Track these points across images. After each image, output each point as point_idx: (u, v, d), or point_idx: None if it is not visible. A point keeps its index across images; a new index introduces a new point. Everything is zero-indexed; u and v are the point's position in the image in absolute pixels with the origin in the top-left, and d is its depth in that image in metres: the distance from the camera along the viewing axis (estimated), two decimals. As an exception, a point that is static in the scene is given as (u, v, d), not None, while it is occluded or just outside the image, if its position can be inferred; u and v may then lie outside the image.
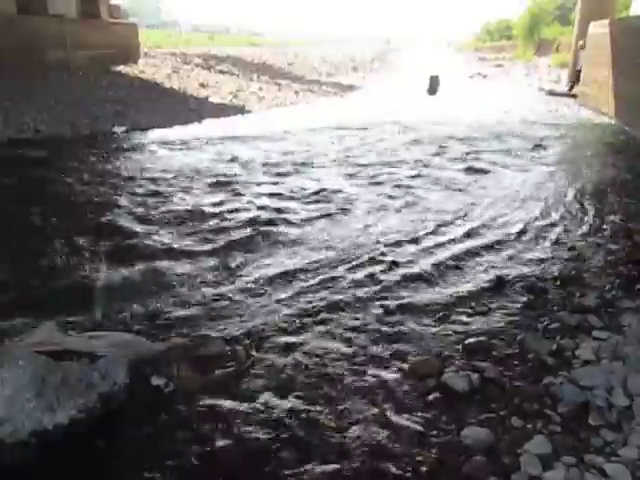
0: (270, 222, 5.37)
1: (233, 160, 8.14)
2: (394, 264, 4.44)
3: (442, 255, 4.67)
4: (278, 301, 3.81)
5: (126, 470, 2.40)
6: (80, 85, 13.70)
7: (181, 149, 9.05)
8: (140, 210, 5.70)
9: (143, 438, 2.54)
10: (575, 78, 17.61)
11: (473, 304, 3.81)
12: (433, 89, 19.56)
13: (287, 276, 4.21)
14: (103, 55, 16.99)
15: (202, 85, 16.38)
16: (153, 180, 6.92)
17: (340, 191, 6.52)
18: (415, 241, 4.99)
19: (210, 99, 14.55)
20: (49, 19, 14.94)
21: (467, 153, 8.91)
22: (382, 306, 3.76)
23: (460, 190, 6.74)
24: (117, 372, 2.63)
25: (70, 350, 2.69)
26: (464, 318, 3.62)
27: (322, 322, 3.53)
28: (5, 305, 3.60)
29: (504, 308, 3.76)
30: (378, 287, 4.05)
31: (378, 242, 4.95)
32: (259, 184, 6.84)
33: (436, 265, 4.45)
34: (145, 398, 2.71)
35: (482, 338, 3.35)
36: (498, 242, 4.99)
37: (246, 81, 18.77)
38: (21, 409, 2.39)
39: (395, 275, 4.26)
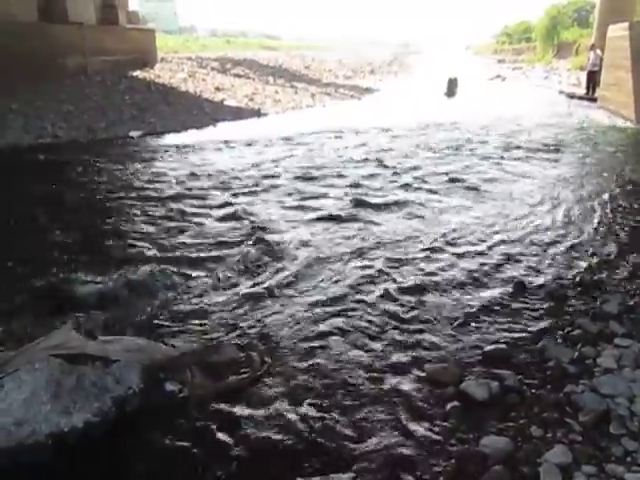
0: (280, 228, 5.38)
1: (252, 166, 8.14)
2: (413, 270, 4.42)
3: (461, 261, 4.63)
4: (294, 307, 3.80)
5: (140, 475, 2.41)
6: (98, 90, 13.88)
7: (195, 153, 9.11)
8: (156, 215, 5.74)
9: (156, 443, 2.54)
10: (588, 80, 17.45)
11: (493, 311, 3.77)
12: (451, 91, 19.50)
13: (304, 282, 4.20)
14: (121, 61, 17.20)
15: (218, 89, 16.49)
16: (166, 185, 6.97)
17: (362, 195, 6.50)
18: (432, 247, 4.95)
19: (226, 102, 14.65)
20: (69, 26, 15.17)
21: (487, 157, 8.84)
22: (400, 312, 3.73)
23: (478, 195, 6.69)
24: (131, 377, 2.64)
25: (85, 354, 2.71)
26: (483, 325, 3.58)
27: (339, 328, 3.52)
28: (21, 308, 3.64)
29: (524, 314, 3.72)
30: (396, 293, 4.02)
31: (393, 247, 4.93)
32: (280, 188, 6.86)
33: (455, 271, 4.41)
34: (159, 403, 2.72)
35: (502, 345, 3.31)
36: (518, 247, 4.94)
37: (262, 84, 18.86)
38: (38, 411, 2.41)
39: (413, 281, 4.23)
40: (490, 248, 4.92)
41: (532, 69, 32.76)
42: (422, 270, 4.44)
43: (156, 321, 3.57)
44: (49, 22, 14.53)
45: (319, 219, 5.67)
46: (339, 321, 3.61)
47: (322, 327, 3.53)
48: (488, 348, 3.28)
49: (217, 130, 11.54)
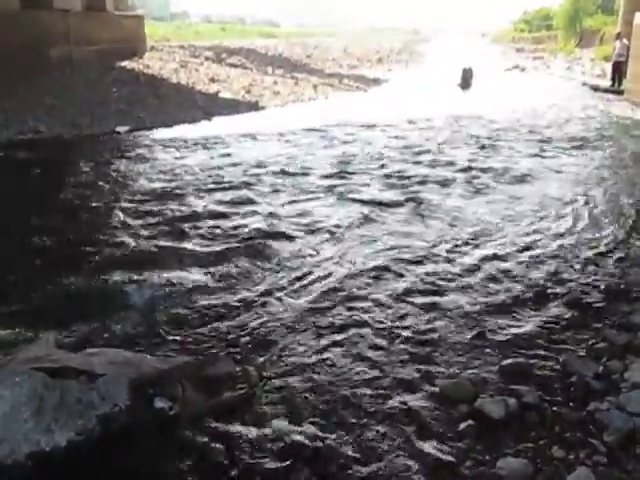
0: (278, 232, 5.39)
1: (246, 165, 8.15)
2: (422, 276, 4.43)
3: (480, 264, 4.63)
4: (294, 317, 3.80)
5: (127, 500, 2.41)
6: (83, 82, 13.93)
7: (187, 150, 9.11)
8: (145, 218, 5.76)
9: (144, 464, 2.54)
10: (614, 72, 17.47)
11: (510, 321, 3.77)
12: (466, 82, 19.51)
13: (304, 289, 4.21)
14: (107, 50, 17.26)
15: (212, 80, 16.53)
16: (152, 185, 6.97)
17: (373, 200, 6.52)
18: (446, 251, 4.96)
19: (221, 95, 14.69)
20: (54, 13, 15.23)
21: (505, 155, 8.87)
22: (409, 323, 3.73)
23: (512, 191, 6.77)
24: (117, 392, 2.64)
25: (68, 367, 2.72)
26: (500, 336, 3.58)
27: (342, 340, 3.52)
28: (1, 317, 3.65)
29: (545, 325, 3.71)
30: (404, 302, 4.03)
31: (402, 251, 4.94)
32: (273, 190, 6.87)
33: (469, 277, 4.42)
34: (147, 421, 2.72)
35: (520, 359, 3.31)
36: (542, 250, 4.95)
37: (260, 75, 18.90)
38: (18, 429, 2.42)
39: (423, 289, 4.24)
40: (513, 251, 4.94)
41: (553, 59, 32.79)
42: (437, 274, 4.46)
43: (145, 331, 3.57)
44: (33, 9, 14.58)
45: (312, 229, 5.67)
46: (343, 331, 3.61)
47: (325, 338, 3.54)
48: (505, 362, 3.28)
49: (211, 125, 11.55)
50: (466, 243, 5.16)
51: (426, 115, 12.73)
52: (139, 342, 3.43)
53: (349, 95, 16.96)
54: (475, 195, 6.73)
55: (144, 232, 5.32)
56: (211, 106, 13.13)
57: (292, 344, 3.47)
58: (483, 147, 9.47)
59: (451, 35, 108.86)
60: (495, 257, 4.81)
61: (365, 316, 3.82)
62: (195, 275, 4.41)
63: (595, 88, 18.45)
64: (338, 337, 3.56)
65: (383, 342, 3.51)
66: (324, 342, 3.50)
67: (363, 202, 6.30)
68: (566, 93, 17.72)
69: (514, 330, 3.65)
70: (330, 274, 4.46)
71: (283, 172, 7.58)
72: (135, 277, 4.32)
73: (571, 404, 2.93)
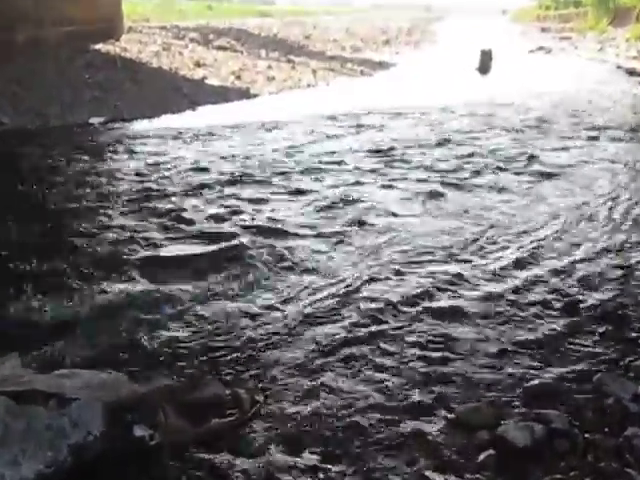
0: (271, 235, 5.40)
1: (231, 163, 8.16)
2: (441, 280, 4.44)
3: (497, 274, 4.63)
4: (293, 331, 3.80)
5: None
6: (52, 68, 13.92)
7: (169, 144, 9.13)
8: (113, 223, 5.75)
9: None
10: None
11: (537, 335, 3.77)
12: (485, 66, 19.55)
13: (305, 298, 4.21)
14: (80, 31, 17.24)
15: (198, 64, 16.57)
16: (128, 185, 6.98)
17: (378, 203, 6.54)
18: (472, 252, 4.98)
19: (208, 81, 14.73)
20: (20, -9, 15.24)
21: (552, 144, 9.04)
22: (421, 339, 3.73)
23: (521, 195, 6.74)
24: (91, 418, 2.64)
25: (36, 391, 2.71)
26: (525, 354, 3.58)
27: (346, 359, 3.52)
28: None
29: (576, 341, 3.72)
30: (415, 314, 4.03)
31: (425, 250, 4.97)
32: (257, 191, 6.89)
33: (489, 287, 4.42)
34: (125, 451, 2.72)
35: (548, 379, 3.31)
36: (569, 258, 4.96)
37: (252, 59, 18.95)
38: (-21, 461, 2.41)
39: (440, 296, 4.24)
40: (533, 259, 4.94)
41: (582, 39, 32.84)
42: (458, 279, 4.49)
43: (123, 350, 3.57)
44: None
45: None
46: (348, 348, 3.61)
47: (327, 357, 3.53)
48: (531, 383, 3.28)
49: (197, 116, 11.58)
50: (496, 243, 5.22)
51: (443, 103, 12.78)
52: (116, 362, 3.43)
53: (352, 81, 17.02)
54: (522, 189, 6.91)
55: (117, 238, 5.32)
56: (197, 94, 13.17)
57: (290, 363, 3.47)
58: (525, 135, 9.69)
59: (467, 13, 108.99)
60: (524, 261, 4.85)
61: (373, 329, 3.82)
62: (179, 284, 4.40)
63: (631, 72, 18.48)
64: (342, 354, 3.56)
65: (393, 360, 3.50)
66: (326, 360, 3.50)
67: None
68: (599, 77, 17.76)
69: (541, 346, 3.65)
70: (338, 280, 4.48)
71: (282, 173, 7.59)
72: (111, 288, 4.32)
73: (606, 430, 2.93)
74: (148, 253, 5.01)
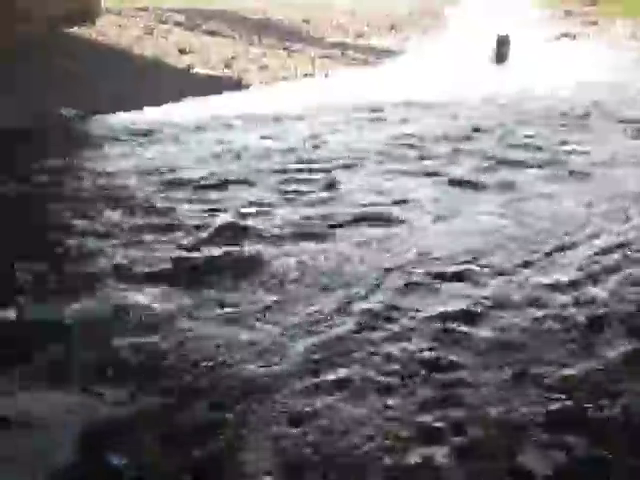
0: (271, 235, 5.41)
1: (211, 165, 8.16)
2: (458, 290, 4.45)
3: (515, 285, 4.64)
4: (286, 347, 3.80)
5: None
6: (20, 55, 13.93)
7: (149, 140, 9.11)
8: (94, 227, 5.77)
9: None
10: None
11: (559, 354, 3.77)
12: (501, 55, 19.57)
13: (295, 314, 4.21)
14: (52, 14, 17.27)
15: (183, 51, 16.60)
16: (98, 189, 6.95)
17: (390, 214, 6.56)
18: (478, 263, 4.98)
19: (194, 70, 14.75)
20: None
21: (553, 153, 8.97)
22: (430, 356, 3.73)
23: (546, 198, 6.79)
24: (62, 446, 2.63)
25: (-2, 416, 2.71)
26: (547, 374, 3.57)
27: (345, 379, 3.51)
28: None
29: (601, 359, 3.72)
30: (428, 325, 4.03)
31: (428, 263, 4.97)
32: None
33: (506, 298, 4.42)
34: (99, 483, 2.71)
35: (571, 402, 3.31)
36: (594, 268, 4.96)
37: (244, 45, 18.98)
38: None
39: (447, 311, 4.24)
40: (555, 268, 4.97)
41: (612, 24, 32.90)
42: (476, 289, 4.51)
43: (97, 370, 3.56)
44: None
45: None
46: (349, 366, 3.60)
47: (323, 375, 3.53)
48: (552, 406, 3.27)
49: (182, 108, 11.59)
50: (525, 249, 5.22)
51: (459, 95, 12.81)
52: (89, 383, 3.42)
53: (355, 71, 17.02)
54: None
55: (98, 245, 5.34)
56: (182, 84, 13.18)
57: (283, 382, 3.46)
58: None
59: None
60: (550, 271, 4.87)
61: (379, 348, 3.81)
62: (163, 297, 4.41)
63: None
64: (341, 374, 3.55)
65: (399, 380, 3.50)
66: (323, 380, 3.49)
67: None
68: (628, 67, 17.76)
69: (562, 366, 3.65)
70: (342, 285, 4.50)
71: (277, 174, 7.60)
72: (82, 303, 4.32)
73: (638, 457, 2.93)
74: (123, 263, 5.02)
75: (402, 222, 5.87)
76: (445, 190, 6.85)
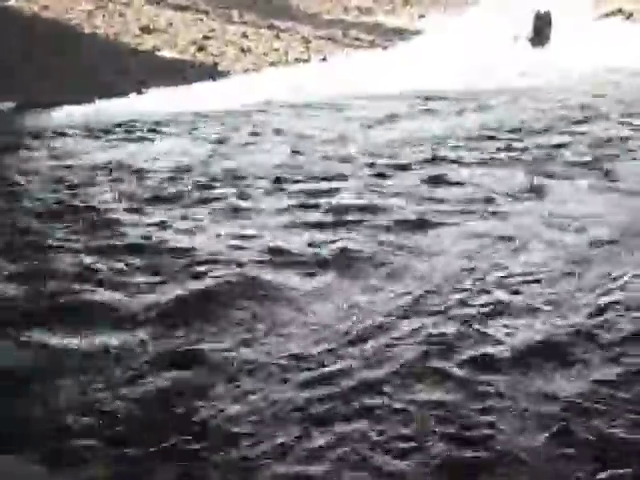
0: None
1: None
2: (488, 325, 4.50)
3: (573, 313, 4.69)
4: (277, 394, 3.80)
5: None
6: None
7: (99, 140, 9.12)
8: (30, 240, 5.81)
9: None
10: None
11: (605, 412, 3.80)
12: (541, 35, 19.59)
13: (300, 344, 4.25)
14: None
15: (146, 30, 16.55)
16: (32, 201, 6.97)
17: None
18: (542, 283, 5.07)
19: (160, 53, 14.74)
20: None
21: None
22: (450, 411, 3.75)
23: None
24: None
25: None
26: (591, 437, 3.58)
27: (346, 435, 3.51)
28: None
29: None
30: (446, 371, 4.06)
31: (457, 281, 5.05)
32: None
33: (555, 336, 4.46)
34: None
35: (620, 470, 3.33)
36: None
37: (221, 22, 18.95)
38: None
39: (475, 354, 4.27)
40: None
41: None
42: (511, 326, 4.53)
43: (45, 423, 3.57)
44: None
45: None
46: (349, 422, 3.62)
47: (320, 432, 3.53)
48: (600, 475, 3.29)
49: (144, 101, 11.61)
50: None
51: (491, 85, 12.86)
52: (37, 442, 3.44)
53: (358, 55, 17.04)
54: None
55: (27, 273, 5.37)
56: (144, 71, 13.14)
57: (270, 438, 3.46)
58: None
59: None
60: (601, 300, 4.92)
61: (386, 398, 3.83)
62: (131, 330, 4.43)
63: None
64: (339, 429, 3.55)
65: (401, 445, 3.50)
66: (317, 437, 3.49)
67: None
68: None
69: (611, 426, 3.67)
70: (349, 314, 4.54)
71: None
72: (25, 339, 4.35)
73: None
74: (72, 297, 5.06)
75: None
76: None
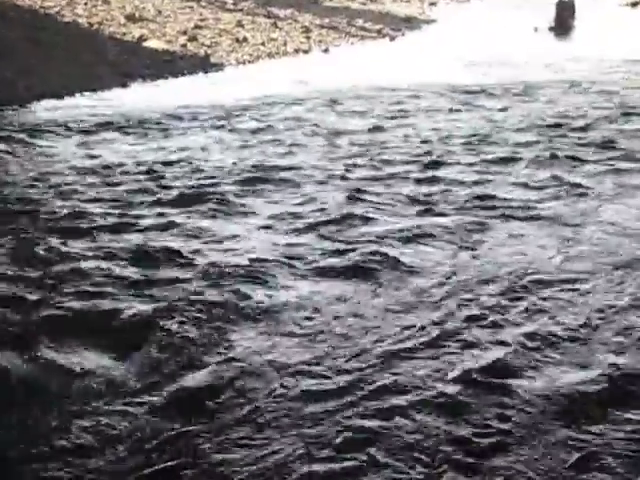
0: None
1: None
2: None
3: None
4: (274, 421, 3.84)
5: None
6: None
7: (78, 138, 9.12)
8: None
9: None
10: None
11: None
12: (563, 24, 19.57)
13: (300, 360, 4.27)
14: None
15: (132, 18, 16.53)
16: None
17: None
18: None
19: (147, 43, 14.71)
20: None
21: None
22: (463, 437, 3.77)
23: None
24: None
25: None
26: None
27: (350, 466, 3.54)
28: None
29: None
30: (462, 393, 4.08)
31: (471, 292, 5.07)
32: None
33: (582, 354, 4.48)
34: None
35: None
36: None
37: (213, 10, 18.91)
38: None
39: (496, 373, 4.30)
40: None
41: None
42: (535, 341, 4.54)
43: (23, 450, 3.61)
44: None
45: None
46: (353, 450, 3.64)
47: (322, 464, 3.55)
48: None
49: (129, 96, 11.60)
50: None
51: (516, 79, 12.90)
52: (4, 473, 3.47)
53: (365, 46, 17.02)
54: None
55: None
56: (130, 63, 13.12)
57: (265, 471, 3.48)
58: None
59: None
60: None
61: (392, 424, 3.85)
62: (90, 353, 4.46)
63: None
64: (344, 457, 3.57)
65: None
66: (319, 469, 3.52)
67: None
68: None
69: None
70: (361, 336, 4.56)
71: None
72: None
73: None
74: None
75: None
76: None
